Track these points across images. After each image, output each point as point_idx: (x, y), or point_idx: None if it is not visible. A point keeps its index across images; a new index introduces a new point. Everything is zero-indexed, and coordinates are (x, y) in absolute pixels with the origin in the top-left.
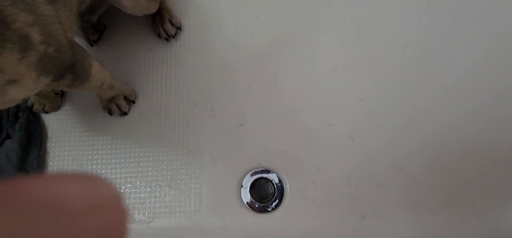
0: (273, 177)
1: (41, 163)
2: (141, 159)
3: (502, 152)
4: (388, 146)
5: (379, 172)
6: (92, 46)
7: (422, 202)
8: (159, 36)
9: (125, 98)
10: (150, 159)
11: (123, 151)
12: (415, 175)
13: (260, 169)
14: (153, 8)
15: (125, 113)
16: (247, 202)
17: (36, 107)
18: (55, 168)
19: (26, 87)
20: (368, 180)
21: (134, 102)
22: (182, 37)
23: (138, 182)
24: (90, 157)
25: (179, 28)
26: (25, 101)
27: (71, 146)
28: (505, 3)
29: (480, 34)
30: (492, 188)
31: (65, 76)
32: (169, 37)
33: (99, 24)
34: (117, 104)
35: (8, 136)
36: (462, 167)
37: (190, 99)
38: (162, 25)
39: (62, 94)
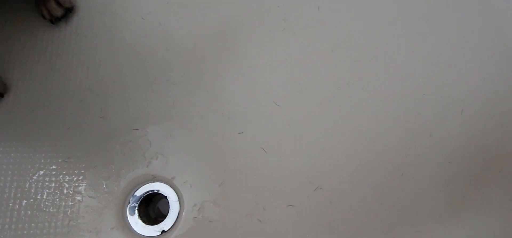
0: (168, 192)
1: None
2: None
3: (430, 170)
4: (305, 160)
5: (291, 190)
6: None
7: (338, 227)
8: (43, 16)
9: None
10: (12, 167)
11: None
12: (333, 196)
13: (152, 181)
14: None
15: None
16: (132, 223)
17: None
18: None
19: None
20: (278, 199)
21: (2, 96)
22: (74, 20)
23: None
24: None
25: (69, 9)
26: None
27: None
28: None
29: (417, 38)
30: (416, 213)
31: None
32: (54, 19)
33: None
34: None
35: None
36: (386, 189)
37: (77, 95)
38: (45, 3)
39: None
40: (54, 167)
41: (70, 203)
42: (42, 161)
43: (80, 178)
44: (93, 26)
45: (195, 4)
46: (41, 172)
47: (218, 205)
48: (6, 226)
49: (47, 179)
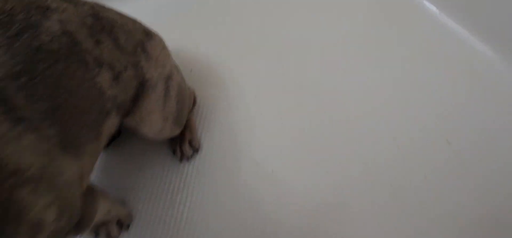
0: None
1: None
2: None
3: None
4: None
5: None
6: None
7: None
8: (174, 153)
9: (118, 221)
10: None
11: None
12: None
13: None
14: (177, 132)
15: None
16: None
17: None
18: None
19: None
20: None
21: (128, 228)
22: (197, 159)
23: None
24: None
25: (196, 151)
26: None
27: None
28: None
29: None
30: None
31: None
32: (184, 158)
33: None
34: (107, 231)
35: None
36: None
37: (191, 235)
38: (180, 145)
39: None
40: None
41: None
42: None
43: None
44: (212, 165)
45: (306, 159)
46: None
47: None
48: None
49: None
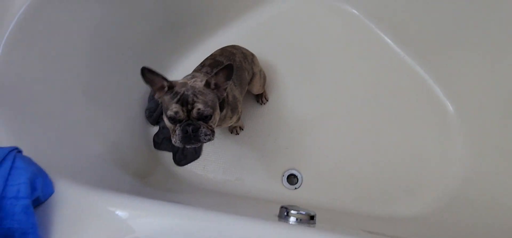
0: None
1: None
2: (242, 157)
3: None
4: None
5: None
6: None
7: None
8: (257, 101)
9: (240, 127)
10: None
11: (235, 153)
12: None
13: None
14: (262, 91)
15: (237, 133)
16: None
17: None
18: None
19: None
20: None
21: (242, 129)
22: (267, 105)
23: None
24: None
25: (267, 100)
26: None
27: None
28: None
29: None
30: None
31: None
32: (262, 103)
33: None
34: (236, 129)
35: None
36: None
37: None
38: (261, 97)
39: None
40: (265, 166)
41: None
42: (260, 153)
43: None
44: (273, 108)
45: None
46: (260, 157)
47: None
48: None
49: (261, 164)
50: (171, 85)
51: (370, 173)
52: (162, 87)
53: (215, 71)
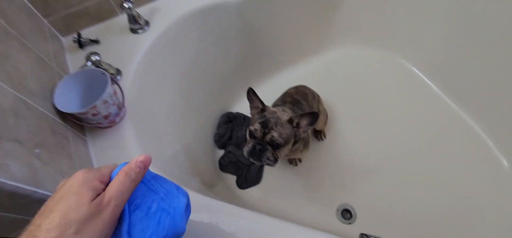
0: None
1: (260, 171)
2: (300, 185)
3: None
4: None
5: None
6: None
7: None
8: (316, 137)
9: (299, 159)
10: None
11: (293, 182)
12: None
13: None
14: (323, 127)
15: (296, 165)
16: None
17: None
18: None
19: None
20: None
21: (301, 161)
22: (325, 141)
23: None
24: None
25: (325, 137)
26: None
27: (277, 171)
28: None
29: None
30: None
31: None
32: (321, 139)
33: None
34: (295, 161)
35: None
36: None
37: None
38: (320, 134)
39: None
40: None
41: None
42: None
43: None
44: (329, 144)
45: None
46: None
47: None
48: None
49: (316, 186)
50: (264, 108)
51: (423, 218)
52: (257, 107)
53: (301, 113)
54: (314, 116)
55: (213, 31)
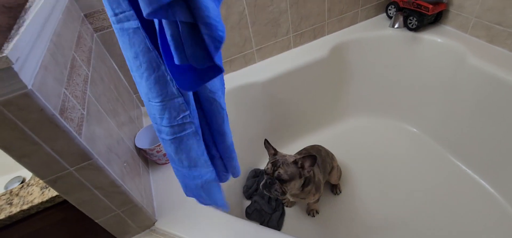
0: None
1: (281, 219)
2: None
3: None
4: None
5: None
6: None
7: None
8: (332, 191)
9: (316, 211)
10: None
11: (310, 232)
12: None
13: None
14: (338, 182)
15: (313, 216)
16: None
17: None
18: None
19: (313, 198)
20: None
21: (318, 213)
22: (339, 196)
23: None
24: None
25: (340, 192)
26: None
27: (297, 221)
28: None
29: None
30: None
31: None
32: (336, 193)
33: None
34: (313, 212)
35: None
36: None
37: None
38: (336, 189)
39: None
40: None
41: None
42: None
43: None
44: (344, 198)
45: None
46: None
47: None
48: None
49: None
50: (276, 153)
51: None
52: (271, 152)
53: (304, 155)
54: (313, 157)
55: (245, 103)
